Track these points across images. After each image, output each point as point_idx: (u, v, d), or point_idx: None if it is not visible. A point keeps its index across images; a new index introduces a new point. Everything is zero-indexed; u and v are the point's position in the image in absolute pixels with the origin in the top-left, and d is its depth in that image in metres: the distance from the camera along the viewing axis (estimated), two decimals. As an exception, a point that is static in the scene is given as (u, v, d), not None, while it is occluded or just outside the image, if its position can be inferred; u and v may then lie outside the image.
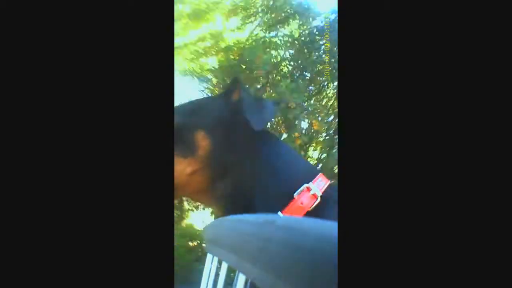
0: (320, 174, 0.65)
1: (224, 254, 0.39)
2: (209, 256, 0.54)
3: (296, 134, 1.90)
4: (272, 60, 2.18)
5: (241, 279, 0.30)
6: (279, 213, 0.59)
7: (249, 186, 0.65)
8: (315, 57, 2.21)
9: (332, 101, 2.29)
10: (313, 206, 0.60)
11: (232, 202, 0.66)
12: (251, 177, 0.65)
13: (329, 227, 0.24)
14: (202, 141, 0.66)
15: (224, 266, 0.41)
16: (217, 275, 0.46)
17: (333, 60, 2.06)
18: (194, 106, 0.74)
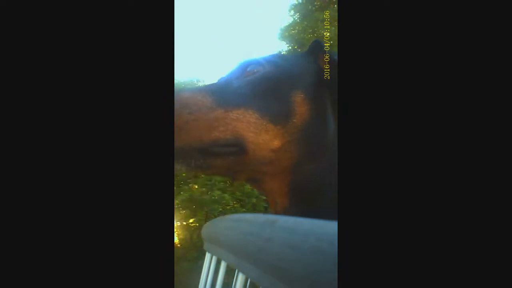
0: None
1: (223, 254, 0.39)
2: (208, 255, 0.54)
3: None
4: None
5: (240, 279, 0.30)
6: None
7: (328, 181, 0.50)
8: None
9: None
10: None
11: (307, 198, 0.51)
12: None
13: (329, 227, 0.24)
14: (300, 106, 0.50)
15: (223, 265, 0.41)
16: (216, 274, 0.46)
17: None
18: (287, 62, 0.54)
